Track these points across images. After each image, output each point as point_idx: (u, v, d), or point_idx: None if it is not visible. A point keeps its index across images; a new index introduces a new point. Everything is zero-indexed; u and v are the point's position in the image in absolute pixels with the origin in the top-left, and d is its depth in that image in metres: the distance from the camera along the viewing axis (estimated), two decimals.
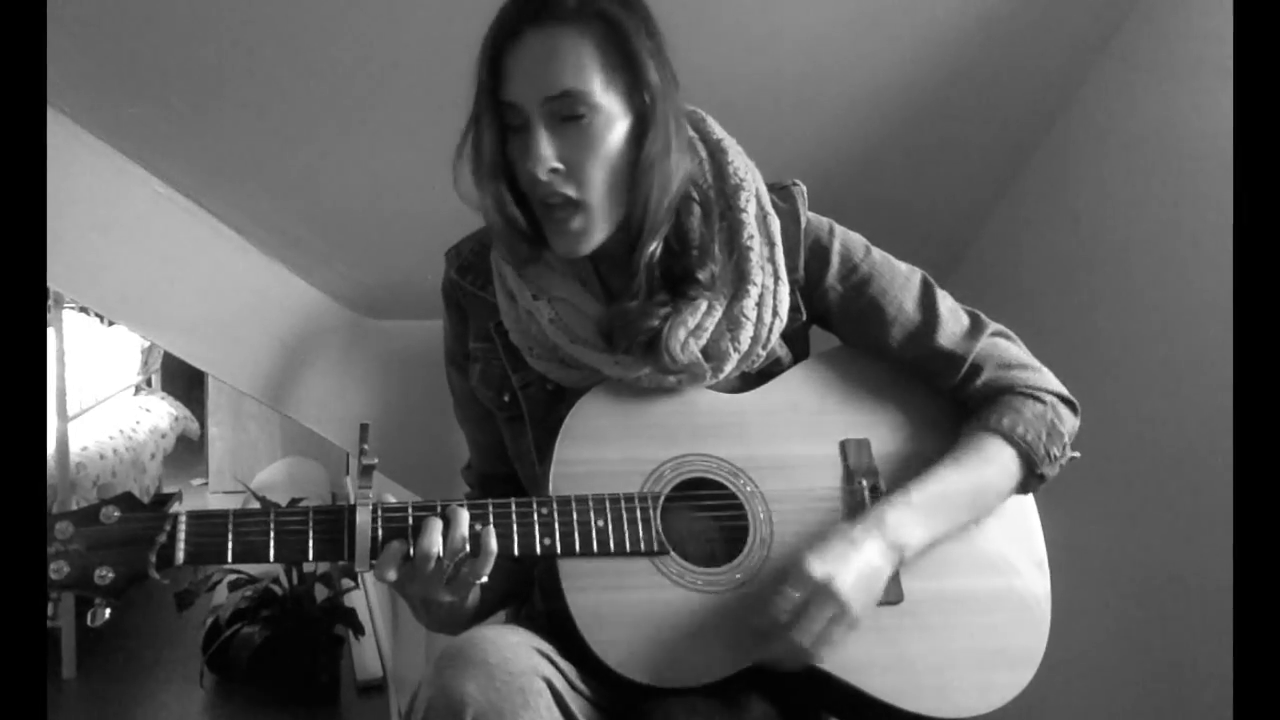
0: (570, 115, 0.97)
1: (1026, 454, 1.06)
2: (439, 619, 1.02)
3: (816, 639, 0.95)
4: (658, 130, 0.99)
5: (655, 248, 1.03)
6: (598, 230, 1.02)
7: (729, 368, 1.05)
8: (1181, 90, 1.42)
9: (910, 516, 1.01)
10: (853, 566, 0.96)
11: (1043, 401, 1.08)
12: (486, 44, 0.98)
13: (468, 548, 0.94)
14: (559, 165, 0.98)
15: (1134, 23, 1.48)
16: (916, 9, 1.45)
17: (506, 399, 1.12)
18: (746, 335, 1.05)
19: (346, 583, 2.79)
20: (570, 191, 0.99)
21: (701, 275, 1.03)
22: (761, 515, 1.04)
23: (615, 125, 0.99)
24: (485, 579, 0.96)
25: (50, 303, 2.83)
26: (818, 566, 0.95)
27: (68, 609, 2.77)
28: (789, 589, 0.95)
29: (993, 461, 1.06)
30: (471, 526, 0.95)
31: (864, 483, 1.07)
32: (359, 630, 2.72)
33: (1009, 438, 1.06)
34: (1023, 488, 1.08)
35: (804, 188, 1.14)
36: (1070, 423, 1.09)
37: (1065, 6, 1.47)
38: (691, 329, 1.03)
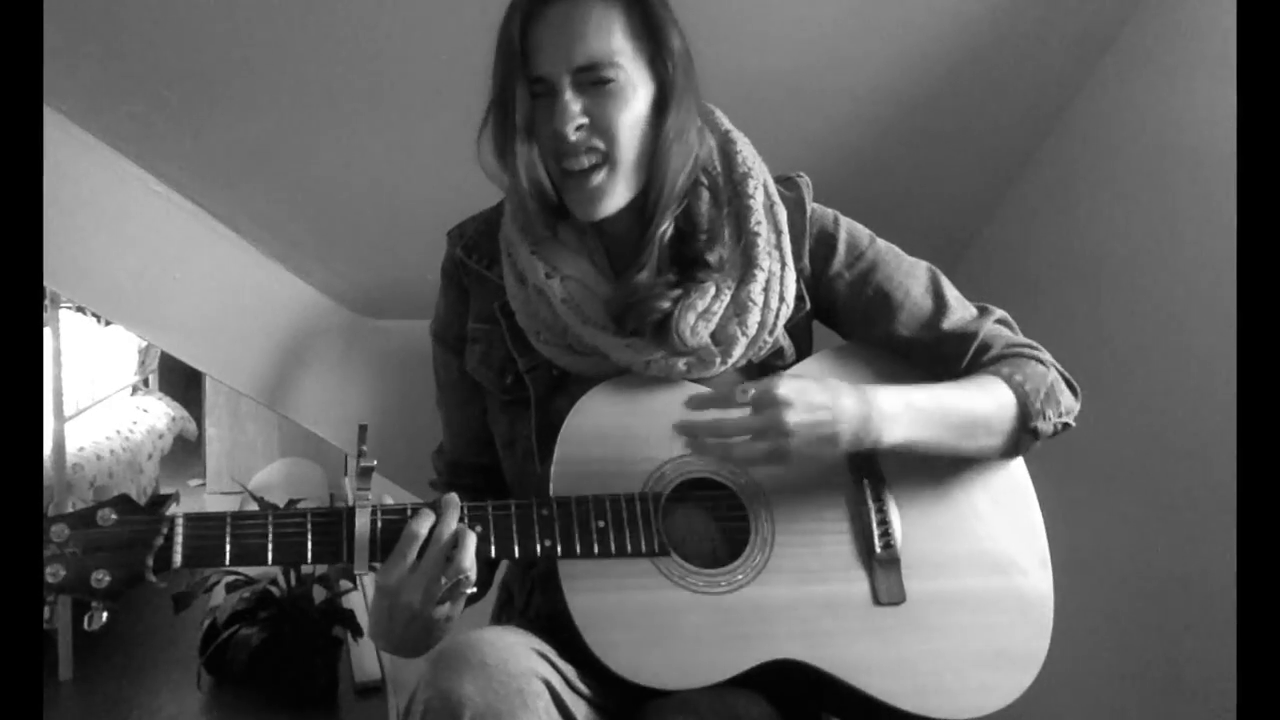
0: (597, 80, 0.99)
1: (1023, 402, 1.05)
2: (414, 638, 0.97)
3: (746, 446, 0.94)
4: (681, 100, 1.02)
5: (667, 227, 1.05)
6: (618, 190, 1.03)
7: (737, 353, 1.06)
8: (1185, 86, 1.42)
9: (902, 411, 1.00)
10: (817, 413, 0.95)
11: (1045, 365, 1.09)
12: (513, 15, 1.01)
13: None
14: (585, 119, 0.99)
15: (1138, 19, 1.48)
16: (922, 4, 1.45)
17: (509, 381, 1.11)
18: (754, 320, 1.05)
19: (345, 584, 2.78)
20: (598, 143, 1.00)
21: (710, 258, 1.05)
22: (763, 515, 1.04)
23: (640, 90, 1.01)
24: (475, 588, 0.96)
25: (47, 302, 2.82)
26: (784, 386, 0.94)
27: (65, 610, 2.77)
28: (750, 387, 0.95)
29: (991, 395, 1.05)
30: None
31: (867, 481, 1.07)
32: (357, 632, 2.71)
33: (1008, 381, 1.06)
34: (1015, 442, 1.07)
35: (809, 180, 1.15)
36: (1069, 399, 1.10)
37: (1070, 2, 1.47)
38: (701, 312, 1.04)
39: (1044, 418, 1.06)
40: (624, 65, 0.99)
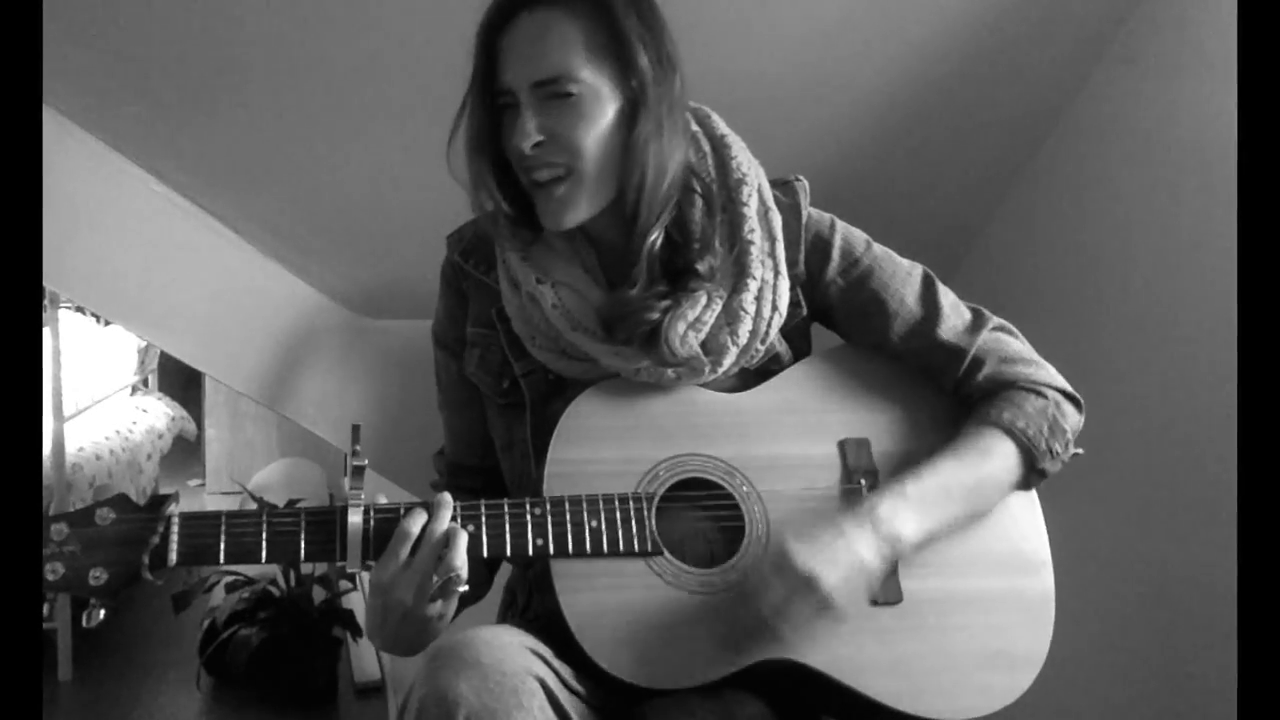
0: (558, 94, 0.99)
1: (1027, 449, 1.05)
2: (408, 636, 0.97)
3: (798, 631, 0.95)
4: (648, 112, 1.01)
5: (656, 237, 1.04)
6: (583, 201, 1.02)
7: (728, 362, 1.05)
8: (1186, 86, 1.42)
9: (904, 508, 1.00)
10: (840, 561, 0.95)
11: (1044, 396, 1.08)
12: (482, 27, 1.01)
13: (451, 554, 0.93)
14: (542, 137, 0.99)
15: (1138, 19, 1.48)
16: (922, 5, 1.45)
17: (506, 386, 1.11)
18: (745, 329, 1.05)
19: (344, 584, 2.78)
20: (557, 158, 1.00)
21: (701, 267, 1.04)
22: (758, 515, 1.04)
23: (604, 104, 1.00)
24: (466, 586, 0.95)
25: (46, 302, 2.82)
26: (802, 560, 0.94)
27: (64, 611, 2.77)
28: (774, 581, 0.94)
29: (992, 455, 1.05)
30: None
31: (863, 482, 1.07)
32: (357, 632, 2.71)
33: (1009, 431, 1.05)
34: (1024, 483, 1.08)
35: (806, 183, 1.14)
36: (1074, 419, 1.09)
37: (1070, 2, 1.47)
38: (691, 322, 1.03)
39: (1051, 456, 1.06)
40: (586, 79, 0.99)
